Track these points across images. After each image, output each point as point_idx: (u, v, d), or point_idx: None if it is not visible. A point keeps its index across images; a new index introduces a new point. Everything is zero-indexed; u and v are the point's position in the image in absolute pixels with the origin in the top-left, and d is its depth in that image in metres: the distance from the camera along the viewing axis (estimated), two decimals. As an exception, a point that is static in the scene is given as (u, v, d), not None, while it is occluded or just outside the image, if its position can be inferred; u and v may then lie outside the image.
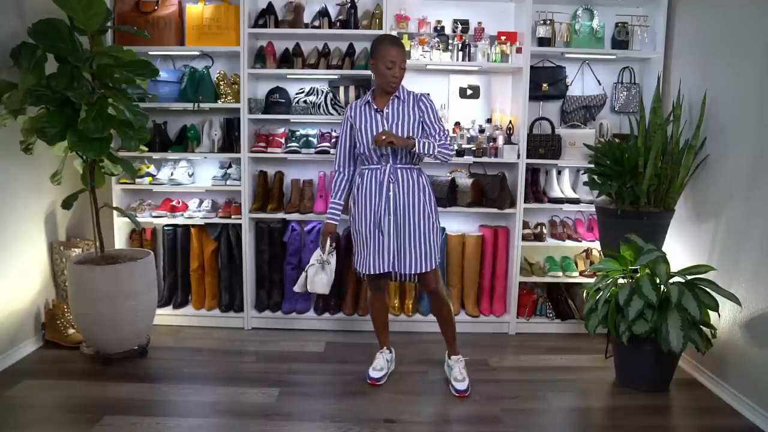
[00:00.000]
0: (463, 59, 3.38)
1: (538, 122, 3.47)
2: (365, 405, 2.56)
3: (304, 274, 2.76)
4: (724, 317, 2.68)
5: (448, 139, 2.58)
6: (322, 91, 3.41)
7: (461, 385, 2.67)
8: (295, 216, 3.43)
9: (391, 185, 2.57)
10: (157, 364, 2.98)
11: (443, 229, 3.55)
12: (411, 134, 2.55)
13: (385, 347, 2.90)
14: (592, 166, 3.06)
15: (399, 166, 2.60)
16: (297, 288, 2.78)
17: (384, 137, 2.45)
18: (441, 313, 2.74)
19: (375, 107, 2.60)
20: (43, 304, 3.16)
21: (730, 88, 2.74)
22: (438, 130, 2.59)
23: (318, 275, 2.73)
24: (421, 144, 2.50)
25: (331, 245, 2.73)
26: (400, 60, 2.52)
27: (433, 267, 2.60)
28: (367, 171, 2.63)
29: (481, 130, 3.47)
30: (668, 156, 2.89)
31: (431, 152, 2.51)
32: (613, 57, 3.45)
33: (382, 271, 2.59)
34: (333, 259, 2.77)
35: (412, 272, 2.57)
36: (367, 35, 3.36)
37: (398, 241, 2.57)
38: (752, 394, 2.49)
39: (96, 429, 2.32)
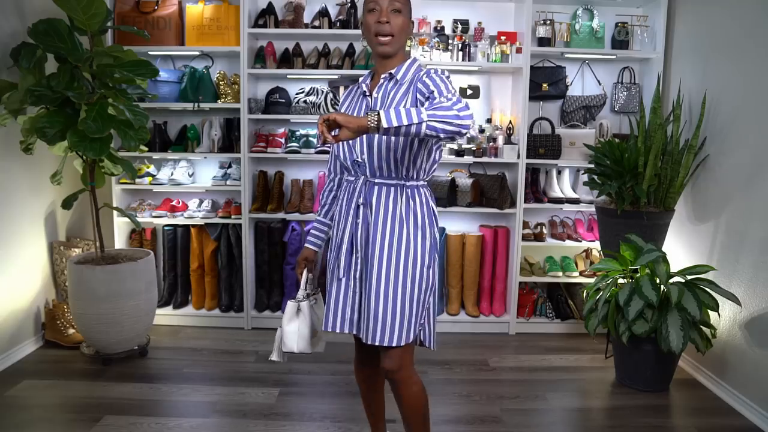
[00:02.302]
0: (463, 59, 3.38)
1: (538, 122, 3.47)
2: (365, 405, 2.56)
3: (277, 331, 1.92)
4: (724, 317, 2.68)
5: (454, 102, 1.51)
6: (322, 91, 3.41)
7: None
8: (295, 216, 3.43)
9: (360, 210, 1.73)
10: (157, 364, 2.98)
11: (443, 230, 3.54)
12: None
13: None
14: (592, 166, 3.06)
15: (378, 180, 1.73)
16: (272, 356, 1.92)
17: (330, 126, 1.46)
18: (401, 399, 1.81)
19: (364, 89, 1.79)
20: (43, 304, 3.16)
21: (730, 88, 2.74)
22: (439, 94, 1.61)
23: (291, 324, 1.87)
24: (391, 115, 1.44)
25: (309, 277, 1.93)
26: (386, 2, 1.66)
27: (400, 342, 1.68)
28: (345, 184, 1.83)
29: (481, 130, 3.47)
30: (668, 156, 2.89)
31: (413, 122, 1.44)
32: (613, 57, 3.45)
33: (339, 331, 1.78)
34: (310, 302, 1.91)
35: (369, 342, 1.69)
36: (367, 35, 3.36)
37: (364, 292, 1.74)
38: (752, 394, 2.49)
39: (96, 429, 2.32)
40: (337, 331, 1.77)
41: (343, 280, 1.76)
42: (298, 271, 1.95)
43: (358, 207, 1.74)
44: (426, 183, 1.80)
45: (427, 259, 1.73)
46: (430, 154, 1.75)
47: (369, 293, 1.71)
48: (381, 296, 1.68)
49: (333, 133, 1.48)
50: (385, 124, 1.44)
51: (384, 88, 1.74)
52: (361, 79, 1.84)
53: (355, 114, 1.78)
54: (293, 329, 1.87)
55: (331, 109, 3.36)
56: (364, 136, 1.68)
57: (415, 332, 1.72)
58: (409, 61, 1.76)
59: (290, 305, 1.88)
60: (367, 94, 1.78)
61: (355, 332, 1.78)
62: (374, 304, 1.69)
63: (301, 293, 1.90)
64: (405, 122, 1.45)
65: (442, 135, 1.49)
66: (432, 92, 1.62)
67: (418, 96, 1.66)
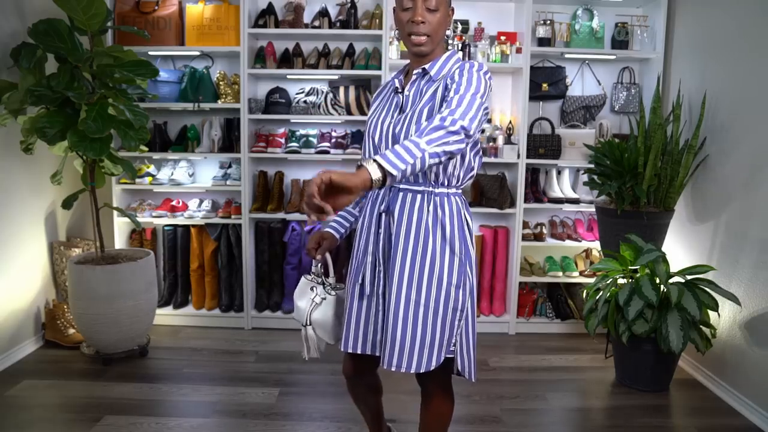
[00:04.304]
0: (463, 59, 3.37)
1: (538, 122, 3.47)
2: (365, 405, 2.56)
3: (309, 330, 1.70)
4: (724, 317, 2.68)
5: (452, 110, 1.39)
6: (322, 92, 3.41)
7: None
8: (295, 216, 3.43)
9: (383, 219, 1.60)
10: (157, 364, 2.98)
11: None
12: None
13: None
14: (592, 166, 3.07)
15: (403, 186, 1.58)
16: (313, 353, 1.71)
17: (316, 185, 1.22)
18: (427, 412, 1.72)
19: (396, 85, 1.64)
20: (43, 304, 3.16)
21: (730, 88, 2.74)
22: (450, 104, 1.41)
23: (339, 312, 1.70)
24: (392, 160, 1.29)
25: (319, 260, 1.72)
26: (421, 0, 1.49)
27: (420, 369, 1.55)
28: (370, 192, 1.67)
29: (481, 130, 3.46)
30: (668, 156, 2.89)
31: (417, 156, 1.30)
32: (613, 57, 3.45)
33: (360, 352, 1.63)
34: (333, 292, 1.72)
35: (386, 367, 1.57)
36: (367, 35, 3.36)
37: (386, 312, 1.58)
38: (752, 394, 2.49)
39: (96, 429, 2.32)
40: (358, 351, 1.63)
41: (366, 296, 1.61)
42: (312, 247, 1.70)
43: (380, 215, 1.59)
44: (460, 191, 1.64)
45: (455, 278, 1.56)
46: (464, 160, 1.58)
47: (388, 313, 1.56)
48: (400, 317, 1.54)
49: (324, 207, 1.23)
50: (392, 170, 1.27)
51: (416, 85, 1.59)
52: (395, 74, 1.69)
53: (384, 111, 1.62)
54: (336, 321, 1.70)
55: (331, 110, 3.36)
56: (390, 133, 1.55)
57: (440, 358, 1.56)
58: (446, 55, 1.59)
59: (330, 298, 1.70)
60: (400, 91, 1.62)
61: (378, 353, 1.62)
62: (392, 326, 1.54)
63: (332, 279, 1.71)
64: (409, 160, 1.29)
65: (444, 158, 1.35)
66: (451, 90, 1.46)
67: (444, 93, 1.50)
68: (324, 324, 1.70)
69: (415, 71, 1.59)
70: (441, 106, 1.51)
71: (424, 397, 1.71)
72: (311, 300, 1.70)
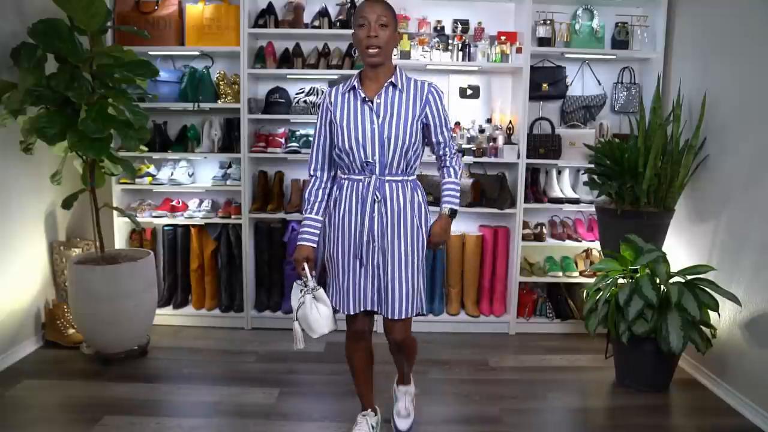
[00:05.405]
0: (463, 59, 3.38)
1: (538, 122, 3.47)
2: (365, 405, 2.56)
3: (295, 324, 2.09)
4: (724, 317, 2.68)
5: (454, 151, 2.11)
6: (322, 91, 3.41)
7: (403, 424, 2.30)
8: (295, 216, 3.43)
9: (376, 205, 1.99)
10: (157, 364, 2.98)
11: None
12: (406, 134, 1.95)
13: (369, 409, 2.29)
14: (592, 166, 3.07)
15: (388, 178, 1.99)
16: (299, 345, 2.12)
17: (438, 239, 2.08)
18: (402, 354, 2.24)
19: (362, 95, 1.96)
20: (43, 304, 3.16)
21: (730, 88, 2.74)
22: (445, 141, 2.07)
23: (314, 311, 2.03)
24: (454, 203, 2.08)
25: (311, 273, 2.07)
26: (374, 16, 1.86)
27: (415, 312, 2.06)
28: (346, 182, 2.03)
29: (481, 130, 3.47)
30: (668, 156, 2.89)
31: (458, 195, 2.10)
32: (613, 57, 3.45)
33: (363, 309, 2.05)
34: (320, 288, 2.09)
35: (395, 317, 2.01)
36: (367, 35, 3.36)
37: (384, 276, 2.01)
38: (752, 394, 2.49)
39: (96, 429, 2.32)
40: (360, 309, 2.04)
41: (364, 267, 2.01)
42: (299, 269, 2.05)
43: (373, 203, 1.98)
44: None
45: (426, 241, 2.08)
46: (422, 152, 2.09)
47: (391, 276, 1.99)
48: (402, 278, 2.00)
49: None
50: (457, 209, 2.09)
51: (385, 94, 1.96)
52: (351, 81, 2.01)
53: (358, 116, 1.96)
54: (322, 313, 2.03)
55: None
56: (377, 136, 1.94)
57: (423, 302, 2.08)
58: (399, 70, 2.00)
59: (308, 299, 2.03)
60: (368, 100, 1.95)
61: (376, 309, 2.05)
62: (392, 286, 2.00)
63: (311, 283, 2.04)
64: (458, 200, 2.10)
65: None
66: (437, 116, 2.01)
67: (422, 108, 1.98)
68: (304, 319, 2.06)
69: (384, 84, 1.96)
70: (422, 119, 1.99)
71: (399, 347, 2.15)
72: (298, 300, 2.06)
